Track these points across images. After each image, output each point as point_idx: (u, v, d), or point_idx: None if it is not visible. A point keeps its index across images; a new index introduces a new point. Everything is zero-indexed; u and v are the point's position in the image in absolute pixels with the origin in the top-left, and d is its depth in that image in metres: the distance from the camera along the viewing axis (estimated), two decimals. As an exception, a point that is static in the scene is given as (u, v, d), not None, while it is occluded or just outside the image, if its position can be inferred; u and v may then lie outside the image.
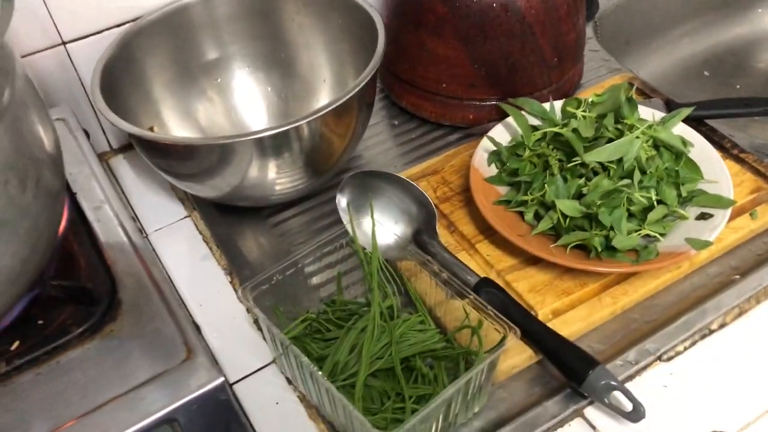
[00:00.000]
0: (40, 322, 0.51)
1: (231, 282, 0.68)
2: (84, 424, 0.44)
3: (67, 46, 0.73)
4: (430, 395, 0.53)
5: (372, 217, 0.63)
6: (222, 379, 0.45)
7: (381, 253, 0.63)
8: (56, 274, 0.51)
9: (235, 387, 0.58)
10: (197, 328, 0.49)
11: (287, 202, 0.74)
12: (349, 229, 0.63)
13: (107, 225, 0.56)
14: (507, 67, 0.76)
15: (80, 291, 0.50)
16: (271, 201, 0.73)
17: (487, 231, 0.66)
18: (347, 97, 0.63)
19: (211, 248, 0.71)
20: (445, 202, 0.70)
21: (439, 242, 0.64)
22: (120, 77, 0.70)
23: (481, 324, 0.55)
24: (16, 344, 0.49)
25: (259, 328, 0.62)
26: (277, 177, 0.66)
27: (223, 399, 0.45)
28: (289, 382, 0.59)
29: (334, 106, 0.62)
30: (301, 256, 0.62)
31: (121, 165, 0.80)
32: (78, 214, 0.57)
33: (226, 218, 0.73)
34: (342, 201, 0.67)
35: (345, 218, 0.65)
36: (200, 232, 0.73)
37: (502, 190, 0.68)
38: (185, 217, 0.74)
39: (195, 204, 0.74)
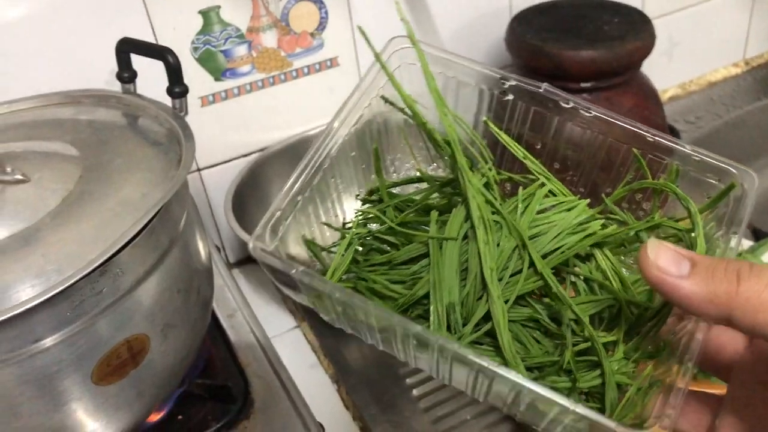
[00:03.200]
0: (180, 417, 0.56)
1: (338, 390, 0.72)
2: None
3: (202, 172, 0.83)
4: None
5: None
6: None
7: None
8: (198, 373, 0.57)
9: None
10: (322, 428, 0.54)
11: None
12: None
13: (239, 331, 0.62)
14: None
15: (220, 389, 0.56)
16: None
17: None
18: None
19: (319, 357, 0.77)
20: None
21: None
22: (248, 199, 0.79)
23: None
24: (161, 437, 0.55)
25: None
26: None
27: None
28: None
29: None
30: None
31: (238, 278, 0.88)
32: (213, 320, 0.64)
33: (333, 330, 0.79)
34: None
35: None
36: (309, 342, 0.79)
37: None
38: (295, 327, 0.81)
39: (304, 315, 0.81)
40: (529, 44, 0.80)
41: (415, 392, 0.71)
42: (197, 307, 0.52)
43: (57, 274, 0.42)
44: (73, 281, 0.41)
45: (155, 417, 0.54)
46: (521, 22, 0.84)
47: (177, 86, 0.55)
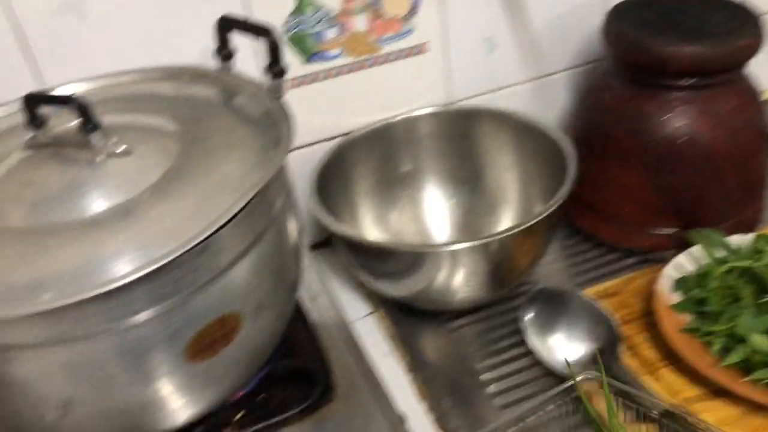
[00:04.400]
0: (262, 396, 0.56)
1: (413, 379, 0.72)
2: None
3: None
4: None
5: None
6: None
7: (559, 369, 0.65)
8: (281, 355, 0.57)
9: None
10: (401, 419, 0.53)
11: (466, 309, 0.78)
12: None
13: (323, 315, 0.62)
14: (690, 199, 0.78)
15: (303, 372, 0.56)
16: (452, 306, 0.77)
17: (670, 357, 0.67)
18: (537, 219, 0.67)
19: (393, 346, 0.76)
20: (625, 324, 0.71)
21: (622, 365, 0.65)
22: (330, 183, 0.78)
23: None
24: (240, 414, 0.55)
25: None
26: (461, 286, 0.71)
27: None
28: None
29: (523, 227, 0.67)
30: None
31: (313, 262, 0.88)
32: (297, 303, 0.64)
33: (408, 319, 0.78)
34: (526, 316, 0.70)
35: (529, 335, 0.68)
36: (383, 330, 0.78)
37: (686, 317, 0.69)
38: (370, 314, 0.80)
39: (380, 303, 0.80)
40: (627, 37, 0.77)
41: (492, 388, 0.70)
42: (286, 289, 0.52)
43: (156, 249, 0.42)
44: (173, 257, 0.41)
45: (237, 395, 0.54)
46: (620, 14, 0.81)
47: (276, 65, 0.55)
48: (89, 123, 0.48)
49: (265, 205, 0.48)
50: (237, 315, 0.46)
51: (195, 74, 0.59)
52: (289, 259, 0.52)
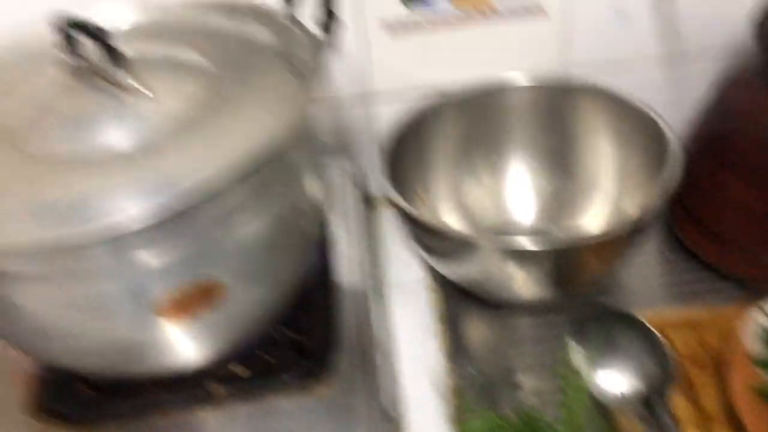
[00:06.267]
0: (265, 358, 0.54)
1: (446, 367, 0.67)
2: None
3: (369, 96, 0.78)
4: None
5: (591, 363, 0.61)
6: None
7: (602, 398, 0.59)
8: (289, 320, 0.54)
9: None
10: (392, 421, 0.49)
11: (529, 308, 0.72)
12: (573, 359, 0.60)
13: (352, 286, 0.58)
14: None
15: (301, 345, 0.53)
16: (509, 303, 0.71)
17: (731, 417, 0.57)
18: (608, 237, 0.60)
19: (439, 328, 0.71)
20: (694, 365, 0.62)
21: (669, 412, 0.57)
22: (408, 139, 0.73)
23: None
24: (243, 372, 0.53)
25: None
26: (521, 284, 0.64)
27: None
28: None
29: (605, 239, 0.59)
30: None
31: (388, 213, 0.84)
32: (327, 266, 0.61)
33: (463, 302, 0.73)
34: (574, 334, 0.63)
35: (575, 355, 0.62)
36: (435, 307, 0.73)
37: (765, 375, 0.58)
38: (427, 288, 0.75)
39: (438, 276, 0.75)
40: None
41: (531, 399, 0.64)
42: (291, 252, 0.48)
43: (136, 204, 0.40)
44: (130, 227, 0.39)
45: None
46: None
47: (328, 16, 0.50)
48: (114, 55, 0.46)
49: (276, 169, 0.44)
50: (219, 283, 0.44)
51: (252, 12, 0.55)
52: (302, 227, 0.49)
